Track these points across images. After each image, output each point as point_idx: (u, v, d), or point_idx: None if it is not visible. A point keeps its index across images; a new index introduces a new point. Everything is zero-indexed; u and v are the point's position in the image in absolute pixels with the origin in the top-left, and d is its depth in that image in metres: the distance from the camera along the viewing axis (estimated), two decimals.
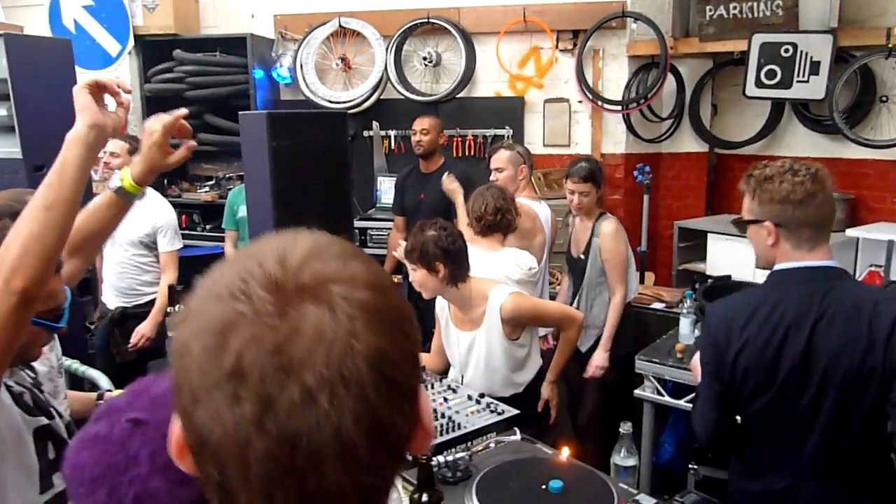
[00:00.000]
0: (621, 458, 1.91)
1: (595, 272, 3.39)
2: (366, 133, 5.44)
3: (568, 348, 2.63)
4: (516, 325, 2.51)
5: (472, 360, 2.58)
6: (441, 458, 1.82)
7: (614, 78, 4.98)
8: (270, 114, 3.31)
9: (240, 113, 3.44)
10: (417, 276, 2.46)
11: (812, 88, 4.35)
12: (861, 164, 4.59)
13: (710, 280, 3.45)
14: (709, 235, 4.64)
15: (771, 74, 4.47)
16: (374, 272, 0.55)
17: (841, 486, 1.62)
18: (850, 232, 4.10)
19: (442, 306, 2.70)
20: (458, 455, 1.85)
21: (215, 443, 0.48)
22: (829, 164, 4.81)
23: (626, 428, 1.93)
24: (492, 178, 3.56)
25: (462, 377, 2.58)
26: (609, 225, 3.38)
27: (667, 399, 3.04)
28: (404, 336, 0.53)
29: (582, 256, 3.43)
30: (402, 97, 5.22)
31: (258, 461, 0.47)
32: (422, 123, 4.25)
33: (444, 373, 2.69)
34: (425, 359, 2.72)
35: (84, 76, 1.49)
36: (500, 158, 3.60)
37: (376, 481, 0.51)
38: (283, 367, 0.47)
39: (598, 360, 3.33)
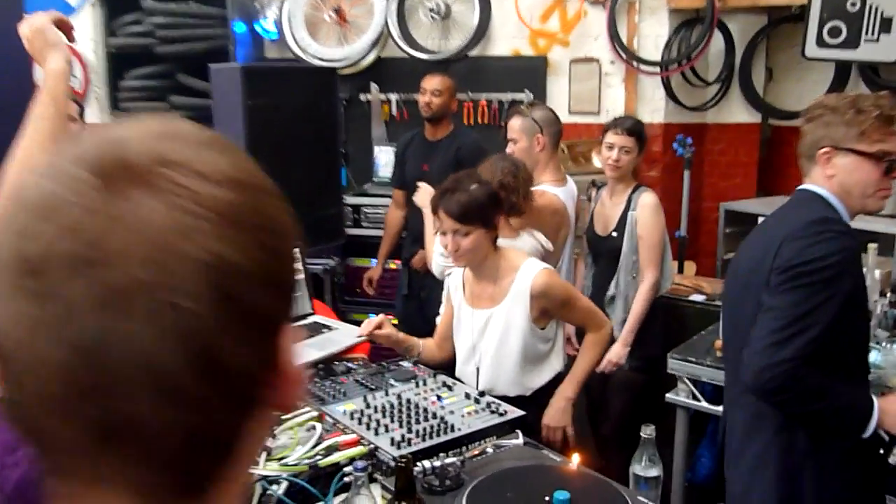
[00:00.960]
0: (642, 467, 1.86)
1: (633, 251, 3.34)
2: (363, 97, 5.40)
3: (593, 356, 2.55)
4: (543, 310, 2.46)
5: (483, 344, 2.52)
6: (427, 464, 1.78)
7: (652, 35, 4.89)
8: (246, 67, 3.29)
9: (211, 66, 3.40)
10: (470, 240, 2.40)
11: (883, 49, 4.23)
12: None
13: None
14: (760, 220, 4.54)
15: (835, 32, 4.36)
16: (245, 169, 0.52)
17: None
18: None
19: (456, 285, 2.64)
20: (448, 461, 1.81)
21: (10, 351, 0.46)
22: None
23: (647, 432, 1.86)
24: (507, 149, 3.45)
25: (476, 370, 2.52)
26: (649, 197, 3.35)
27: (704, 405, 2.98)
28: (268, 251, 0.50)
29: (614, 234, 3.36)
30: (405, 56, 5.15)
31: (54, 377, 0.45)
32: (433, 82, 4.16)
33: (445, 367, 2.62)
34: (427, 347, 2.66)
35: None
36: (513, 127, 3.48)
37: (206, 424, 0.47)
38: (90, 263, 0.45)
39: (615, 355, 3.27)
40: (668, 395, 3.05)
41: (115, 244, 0.45)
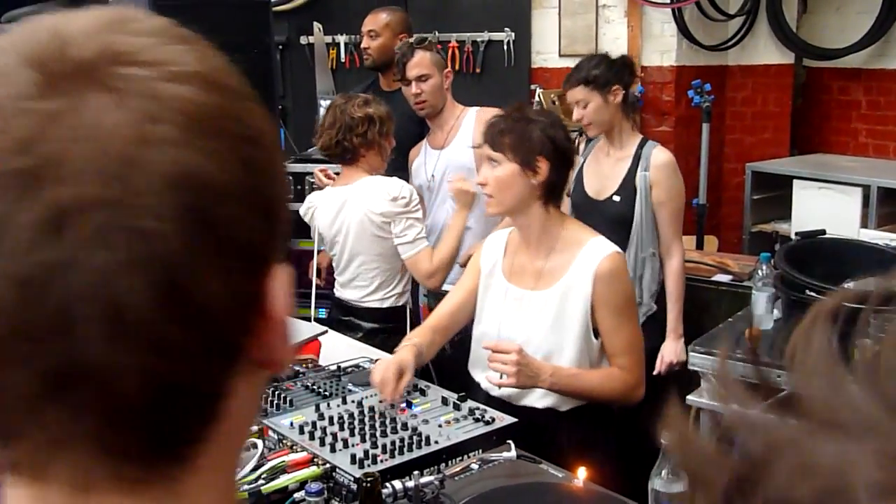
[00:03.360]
0: (663, 481, 1.85)
1: (647, 222, 3.31)
2: (304, 39, 5.35)
3: (606, 385, 2.40)
4: (603, 307, 2.36)
5: (516, 332, 2.41)
6: (398, 485, 1.76)
7: None
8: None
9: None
10: (498, 173, 2.36)
11: None
12: None
13: (796, 237, 3.39)
14: (795, 183, 4.60)
15: None
16: (215, 65, 0.53)
17: None
18: None
19: (492, 251, 2.57)
20: (424, 480, 1.80)
21: None
22: None
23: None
24: (413, 90, 3.55)
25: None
26: (664, 154, 3.31)
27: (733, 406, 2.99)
28: (249, 166, 0.50)
29: (616, 198, 3.34)
30: None
31: None
32: (370, 22, 4.20)
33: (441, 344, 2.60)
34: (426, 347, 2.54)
35: None
36: (421, 62, 3.55)
37: (179, 373, 0.48)
38: (36, 179, 0.45)
39: (671, 353, 3.26)
40: (689, 396, 3.06)
41: (64, 156, 0.45)
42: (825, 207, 4.43)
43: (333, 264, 3.46)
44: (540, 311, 2.40)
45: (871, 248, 3.17)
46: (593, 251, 2.37)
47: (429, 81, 3.57)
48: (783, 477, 0.40)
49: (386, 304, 3.31)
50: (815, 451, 0.40)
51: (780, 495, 0.40)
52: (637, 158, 3.32)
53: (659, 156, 3.30)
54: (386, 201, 3.12)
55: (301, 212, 3.44)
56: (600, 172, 3.42)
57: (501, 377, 2.23)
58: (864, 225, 4.23)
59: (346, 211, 3.25)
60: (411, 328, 3.21)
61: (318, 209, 3.36)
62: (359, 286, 3.32)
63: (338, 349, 2.78)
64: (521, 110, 2.45)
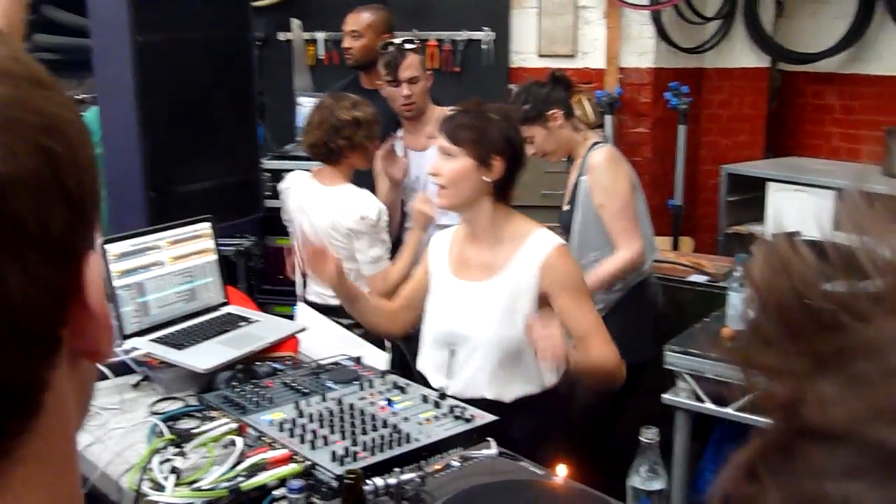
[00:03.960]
0: (642, 479, 1.87)
1: (587, 226, 3.27)
2: (282, 36, 5.33)
3: (601, 362, 2.41)
4: (544, 295, 2.39)
5: (464, 326, 2.44)
6: (379, 482, 1.76)
7: None
8: None
9: None
10: (452, 166, 2.40)
11: None
12: None
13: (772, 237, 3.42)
14: (769, 185, 4.65)
15: None
16: (12, 56, 0.52)
17: None
18: None
19: (439, 246, 2.61)
20: (406, 477, 1.80)
21: None
22: None
23: (649, 437, 1.87)
24: (404, 91, 3.54)
25: (449, 359, 2.46)
26: (599, 153, 3.24)
27: (709, 406, 3.02)
28: (48, 156, 0.49)
29: (566, 208, 3.35)
30: None
31: None
32: (352, 22, 4.18)
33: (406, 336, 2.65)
34: (378, 308, 2.67)
35: None
36: (413, 64, 3.55)
37: None
38: None
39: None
40: (664, 395, 3.09)
41: None
42: (799, 209, 4.48)
43: (297, 261, 3.48)
44: (488, 302, 2.43)
45: (844, 248, 3.20)
46: (537, 243, 2.42)
47: (419, 84, 3.58)
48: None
49: None
50: None
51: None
52: (582, 164, 3.29)
53: (594, 157, 3.23)
54: (354, 219, 3.17)
55: (280, 187, 3.49)
56: (567, 184, 3.42)
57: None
58: (837, 228, 4.27)
59: (318, 213, 3.28)
60: None
61: (293, 191, 3.41)
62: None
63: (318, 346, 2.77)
64: (480, 106, 2.48)
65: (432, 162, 2.51)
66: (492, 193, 2.43)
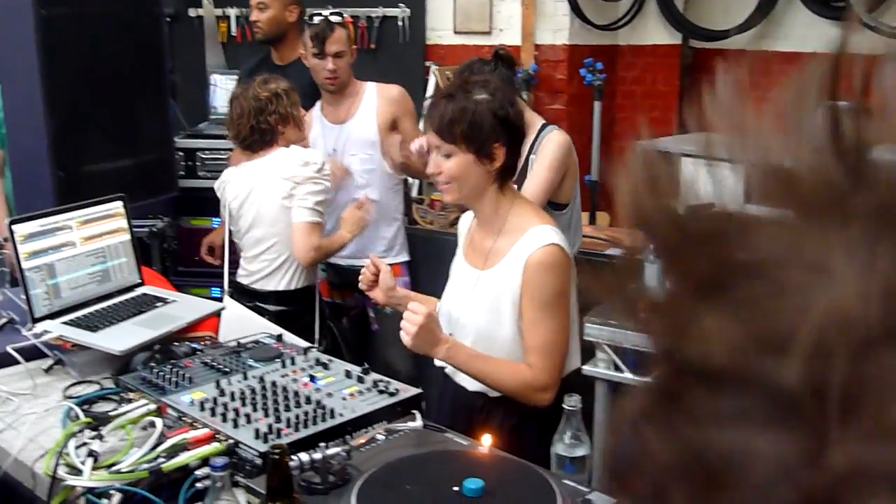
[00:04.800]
0: (566, 446, 1.90)
1: None
2: (193, 12, 5.22)
3: (506, 374, 2.27)
4: (527, 297, 2.27)
5: (462, 312, 2.37)
6: (304, 457, 1.75)
7: None
8: None
9: None
10: (452, 164, 2.25)
11: None
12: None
13: (687, 209, 3.50)
14: (683, 161, 4.72)
15: None
16: None
17: None
18: None
19: (465, 224, 2.53)
20: (331, 452, 1.79)
21: None
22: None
23: (572, 403, 1.90)
24: (329, 65, 3.54)
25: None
26: (556, 136, 3.28)
27: (628, 376, 3.08)
28: None
29: (514, 186, 3.36)
30: None
31: None
32: None
33: None
34: None
35: None
36: (340, 39, 3.56)
37: None
38: None
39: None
40: (584, 367, 3.14)
41: None
42: (713, 183, 4.58)
43: (236, 241, 3.39)
44: (481, 291, 2.35)
45: (753, 217, 3.30)
46: (532, 239, 2.26)
47: (344, 58, 3.57)
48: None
49: (293, 286, 3.30)
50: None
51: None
52: (533, 145, 3.32)
53: (551, 138, 3.28)
54: (297, 165, 3.13)
55: (215, 186, 3.40)
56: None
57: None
58: (748, 200, 4.39)
59: (254, 179, 3.23)
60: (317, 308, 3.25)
61: (230, 184, 3.33)
62: (264, 260, 3.29)
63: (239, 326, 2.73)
64: (465, 88, 2.28)
65: (431, 159, 2.34)
66: (496, 180, 2.30)
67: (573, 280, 2.33)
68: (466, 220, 2.55)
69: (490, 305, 2.31)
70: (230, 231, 3.47)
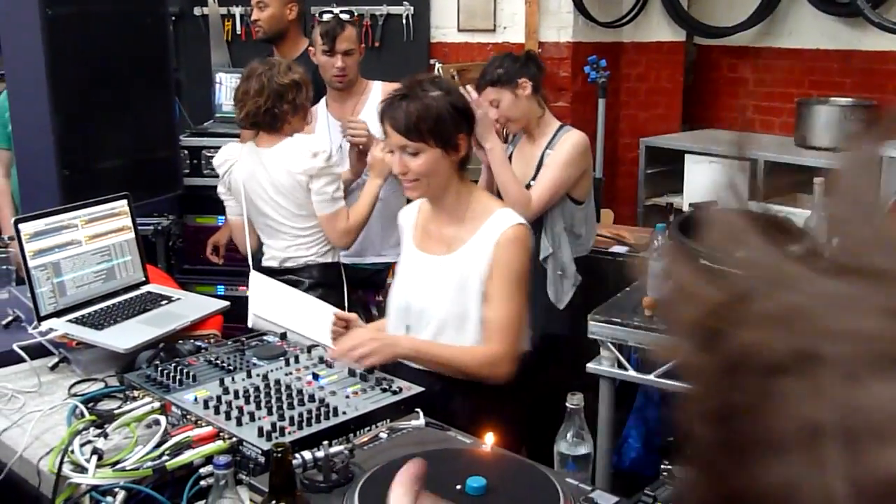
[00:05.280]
0: (568, 444, 1.90)
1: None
2: (198, 10, 5.22)
3: (464, 359, 2.35)
4: (495, 272, 2.35)
5: (423, 301, 2.42)
6: (307, 455, 1.75)
7: None
8: None
9: None
10: (420, 162, 2.31)
11: None
12: (886, 57, 4.76)
13: (689, 207, 3.50)
14: (686, 157, 4.74)
15: None
16: None
17: None
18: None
19: (409, 217, 2.58)
20: (334, 450, 1.79)
21: None
22: (845, 58, 5.02)
23: (574, 402, 1.90)
24: (338, 63, 3.56)
25: (405, 329, 2.45)
26: (574, 136, 3.36)
27: (632, 374, 3.07)
28: None
29: (532, 183, 3.38)
30: None
31: None
32: None
33: None
34: None
35: None
36: (350, 37, 3.58)
37: None
38: None
39: None
40: (589, 364, 3.14)
41: None
42: (715, 180, 4.57)
43: (257, 229, 3.37)
44: (445, 276, 2.41)
45: (758, 216, 3.30)
46: (499, 220, 2.37)
47: (353, 56, 3.58)
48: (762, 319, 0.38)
49: (322, 259, 3.31)
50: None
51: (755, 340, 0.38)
52: (551, 143, 3.38)
53: (570, 137, 3.36)
54: (307, 158, 3.12)
55: (216, 162, 3.37)
56: (522, 160, 3.46)
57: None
58: (752, 197, 4.38)
59: (267, 171, 3.22)
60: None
61: (238, 164, 3.30)
62: (290, 246, 3.29)
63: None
64: (419, 86, 2.37)
65: (396, 160, 2.38)
66: (458, 170, 2.40)
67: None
68: (410, 212, 2.61)
69: (457, 288, 2.37)
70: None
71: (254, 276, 3.12)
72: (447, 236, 2.44)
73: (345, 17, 3.59)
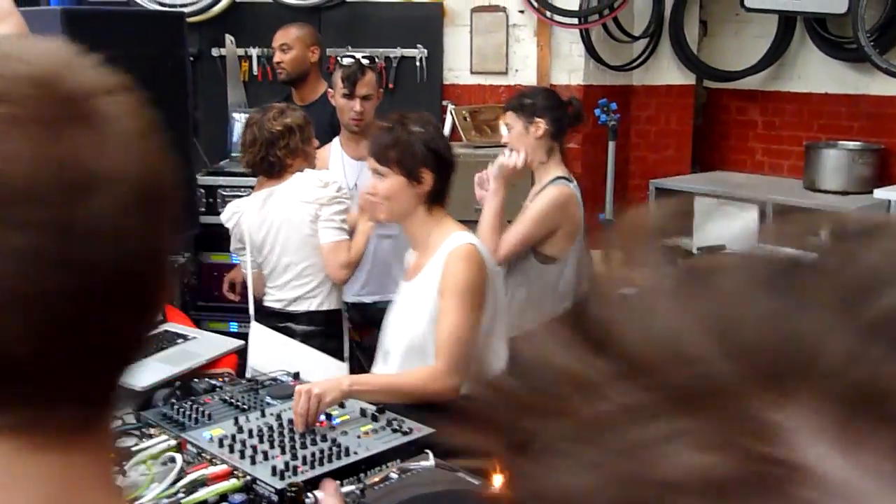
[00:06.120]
0: None
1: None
2: (215, 51, 5.32)
3: (407, 384, 2.43)
4: (442, 288, 2.45)
5: (392, 324, 2.58)
6: (319, 494, 1.79)
7: None
8: (68, 11, 3.21)
9: (20, 10, 3.28)
10: (385, 185, 2.51)
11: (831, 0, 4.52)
12: (893, 102, 4.81)
13: (698, 251, 3.54)
14: (696, 200, 4.78)
15: None
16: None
17: None
18: (880, 193, 4.30)
19: (408, 260, 2.74)
20: (345, 489, 1.84)
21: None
22: (853, 103, 5.07)
23: None
24: (357, 107, 3.60)
25: (382, 356, 2.59)
26: (554, 190, 3.24)
27: None
28: None
29: None
30: (268, 0, 5.16)
31: None
32: (281, 37, 4.29)
33: None
34: None
35: None
36: (370, 82, 3.64)
37: None
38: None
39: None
40: None
41: None
42: (724, 223, 4.62)
43: (264, 271, 3.38)
44: (407, 303, 2.58)
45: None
46: (451, 241, 2.50)
47: (371, 101, 3.65)
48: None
49: (324, 307, 3.32)
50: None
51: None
52: (539, 193, 3.29)
53: (547, 189, 3.26)
54: (316, 188, 3.17)
55: (224, 219, 3.41)
56: (524, 204, 3.40)
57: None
58: (762, 240, 4.43)
59: (275, 208, 3.25)
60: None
61: (245, 214, 3.33)
62: (296, 285, 3.30)
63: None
64: (403, 122, 2.56)
65: (367, 180, 2.60)
66: (425, 202, 2.54)
67: (491, 289, 2.51)
68: (411, 251, 2.75)
69: (416, 313, 2.50)
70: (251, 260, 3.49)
71: (254, 327, 3.17)
72: (416, 265, 2.60)
73: (366, 62, 3.66)
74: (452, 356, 2.38)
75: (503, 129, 3.36)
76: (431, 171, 2.51)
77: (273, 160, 3.22)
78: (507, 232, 3.21)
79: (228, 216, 3.38)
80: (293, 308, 3.31)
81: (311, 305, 3.30)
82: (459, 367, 2.36)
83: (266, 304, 3.40)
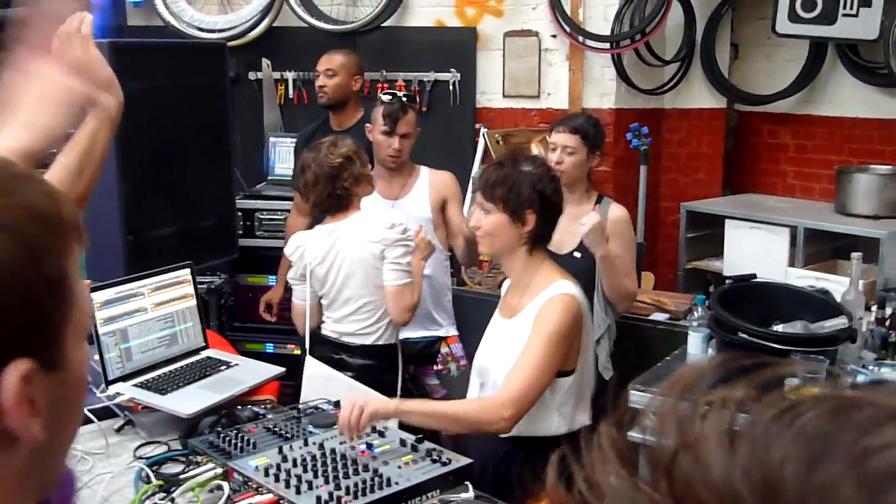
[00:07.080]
0: None
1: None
2: (252, 75, 5.41)
3: (470, 416, 2.48)
4: (532, 329, 2.53)
5: (491, 359, 2.63)
6: None
7: (601, 5, 5.09)
8: (114, 44, 3.28)
9: None
10: (489, 220, 2.56)
11: (862, 25, 4.53)
12: None
13: (727, 281, 3.57)
14: (727, 222, 4.80)
15: (810, 6, 4.64)
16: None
17: None
18: None
19: (503, 292, 2.82)
20: None
21: None
22: (884, 127, 5.07)
23: None
24: (395, 145, 3.65)
25: (479, 389, 2.64)
26: (619, 210, 3.50)
27: None
28: None
29: (577, 255, 3.39)
30: (304, 25, 5.22)
31: None
32: (326, 62, 4.31)
33: None
34: None
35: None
36: (411, 121, 3.68)
37: None
38: None
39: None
40: (630, 433, 3.19)
41: None
42: (755, 246, 4.64)
43: (323, 301, 3.36)
44: (506, 339, 2.59)
45: (796, 291, 3.38)
46: (553, 288, 2.54)
47: (409, 139, 3.69)
48: None
49: (381, 341, 3.31)
50: None
51: None
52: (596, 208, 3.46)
53: (615, 212, 3.48)
54: (383, 228, 3.17)
55: (287, 252, 3.38)
56: (559, 227, 3.47)
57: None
58: (792, 263, 4.45)
59: (340, 243, 3.24)
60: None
61: (308, 247, 3.29)
62: (355, 320, 3.29)
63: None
64: (513, 159, 2.62)
65: (475, 214, 2.65)
66: (527, 243, 2.58)
67: (586, 338, 2.64)
68: (507, 284, 2.82)
69: (512, 352, 2.51)
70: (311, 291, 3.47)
71: (309, 361, 3.21)
72: (513, 303, 2.64)
73: (405, 99, 3.71)
74: (517, 390, 2.40)
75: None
76: (536, 212, 2.53)
77: (340, 193, 3.20)
78: (628, 269, 3.47)
79: (292, 249, 3.34)
80: (348, 340, 3.30)
81: (367, 340, 3.29)
82: (518, 404, 2.39)
83: (323, 332, 3.40)
